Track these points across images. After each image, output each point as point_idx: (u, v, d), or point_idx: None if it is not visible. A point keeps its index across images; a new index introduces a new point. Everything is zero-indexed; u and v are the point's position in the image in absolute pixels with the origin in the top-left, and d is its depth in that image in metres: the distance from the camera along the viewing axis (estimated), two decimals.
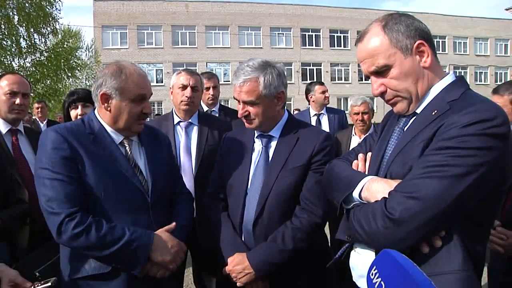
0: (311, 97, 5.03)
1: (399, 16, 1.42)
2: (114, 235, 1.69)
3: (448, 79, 1.40)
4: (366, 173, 1.52)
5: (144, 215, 1.86)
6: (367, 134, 1.87)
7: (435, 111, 1.32)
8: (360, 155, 1.59)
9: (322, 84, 5.18)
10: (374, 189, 1.34)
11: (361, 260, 1.44)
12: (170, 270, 1.83)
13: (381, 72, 1.40)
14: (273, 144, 2.06)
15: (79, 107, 2.99)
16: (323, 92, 5.02)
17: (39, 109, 7.99)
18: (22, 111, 2.65)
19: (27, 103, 2.71)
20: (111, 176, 1.79)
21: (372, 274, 0.89)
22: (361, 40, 1.45)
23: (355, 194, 1.39)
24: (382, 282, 0.85)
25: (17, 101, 2.59)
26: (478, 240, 1.29)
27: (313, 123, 4.98)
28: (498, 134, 1.17)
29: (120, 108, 1.84)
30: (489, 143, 1.16)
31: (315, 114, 5.06)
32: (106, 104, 1.85)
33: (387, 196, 1.26)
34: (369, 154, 1.59)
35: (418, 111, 1.42)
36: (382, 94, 1.44)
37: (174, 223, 1.91)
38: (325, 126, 5.01)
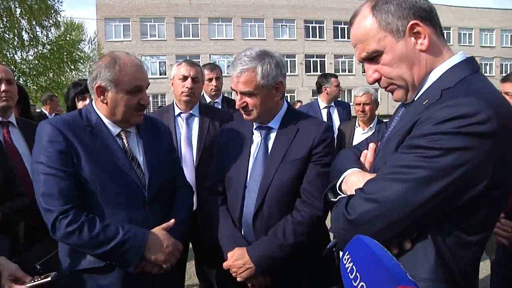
0: (325, 89, 4.93)
1: None
2: (106, 235, 1.68)
3: (451, 61, 1.24)
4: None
5: (141, 210, 1.83)
6: (381, 124, 1.79)
7: (426, 101, 1.18)
8: (371, 145, 1.48)
9: (336, 77, 5.12)
10: (351, 182, 1.30)
11: None
12: (164, 268, 1.81)
13: (373, 58, 1.29)
14: (272, 136, 2.03)
15: (87, 98, 2.95)
16: (338, 85, 4.99)
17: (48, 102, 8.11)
18: (10, 98, 2.55)
19: (13, 90, 2.59)
20: (107, 169, 1.76)
21: (345, 260, 0.89)
22: (351, 24, 1.35)
23: (338, 186, 1.35)
24: (353, 267, 0.85)
25: (2, 87, 2.50)
26: (465, 247, 1.14)
27: (324, 115, 4.94)
28: (478, 133, 1.02)
29: (116, 101, 1.80)
30: (467, 142, 1.02)
31: (325, 107, 5.00)
32: (102, 97, 1.81)
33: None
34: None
35: (416, 99, 1.29)
36: (377, 81, 1.33)
37: (172, 220, 1.87)
38: (336, 119, 4.98)
